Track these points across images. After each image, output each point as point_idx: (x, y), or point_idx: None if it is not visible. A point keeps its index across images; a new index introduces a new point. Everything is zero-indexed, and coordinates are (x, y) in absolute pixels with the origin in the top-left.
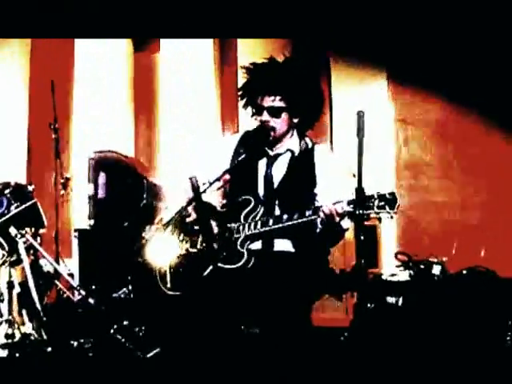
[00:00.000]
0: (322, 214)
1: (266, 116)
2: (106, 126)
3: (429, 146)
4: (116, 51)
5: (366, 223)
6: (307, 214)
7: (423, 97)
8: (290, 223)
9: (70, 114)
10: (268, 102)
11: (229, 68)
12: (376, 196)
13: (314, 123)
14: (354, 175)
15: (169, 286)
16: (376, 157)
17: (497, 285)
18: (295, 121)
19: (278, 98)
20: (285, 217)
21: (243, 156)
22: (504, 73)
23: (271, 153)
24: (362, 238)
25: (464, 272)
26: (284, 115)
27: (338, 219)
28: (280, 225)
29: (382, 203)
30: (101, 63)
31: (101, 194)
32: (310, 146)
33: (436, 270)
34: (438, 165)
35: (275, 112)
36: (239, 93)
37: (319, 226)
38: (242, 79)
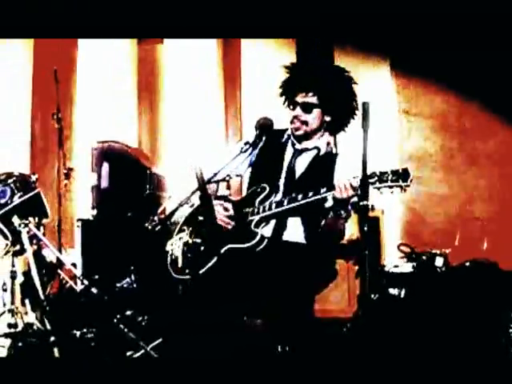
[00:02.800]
0: (336, 186)
1: (298, 111)
2: (110, 115)
3: (432, 137)
4: (119, 40)
5: (369, 214)
6: (322, 191)
7: (427, 88)
8: (304, 201)
9: (74, 104)
10: (302, 97)
11: (232, 57)
12: (389, 172)
13: (345, 125)
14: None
15: (178, 271)
16: (380, 148)
17: (499, 277)
18: (327, 119)
19: (310, 94)
20: (300, 196)
21: (257, 141)
22: (508, 64)
23: (299, 147)
24: (366, 229)
25: (466, 264)
26: (316, 111)
27: (352, 193)
28: (295, 203)
29: (395, 177)
30: (104, 53)
31: (104, 184)
32: (334, 151)
33: (439, 261)
34: (442, 156)
35: (307, 107)
36: (279, 91)
37: (330, 201)
38: (244, 68)
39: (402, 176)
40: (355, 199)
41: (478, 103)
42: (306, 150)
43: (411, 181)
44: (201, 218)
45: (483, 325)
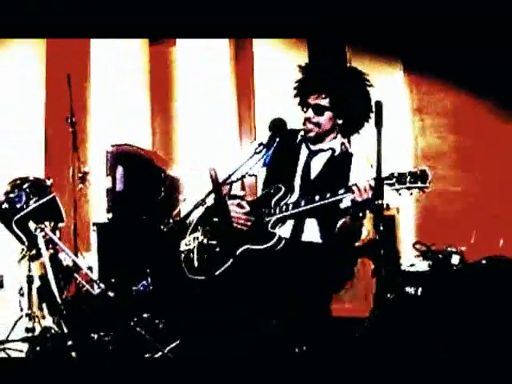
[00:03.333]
0: (355, 189)
1: (310, 113)
2: (123, 119)
3: (445, 135)
4: (132, 44)
5: (384, 213)
6: (340, 192)
7: (439, 86)
8: (322, 202)
9: (87, 108)
10: (314, 99)
11: (245, 58)
12: (407, 173)
13: (358, 128)
14: (372, 165)
15: (193, 271)
16: (393, 147)
17: None
18: (339, 122)
19: (322, 96)
20: (317, 197)
21: (271, 142)
22: None
23: (313, 148)
24: (381, 227)
25: (483, 261)
26: (327, 114)
27: (371, 194)
28: (312, 205)
29: (414, 179)
30: (117, 56)
31: (119, 187)
32: (349, 151)
33: (455, 259)
34: (455, 154)
35: (319, 109)
36: (294, 92)
37: (346, 201)
38: (257, 69)
39: (420, 177)
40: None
41: (491, 100)
42: (321, 150)
43: (430, 182)
44: (215, 219)
45: (501, 322)
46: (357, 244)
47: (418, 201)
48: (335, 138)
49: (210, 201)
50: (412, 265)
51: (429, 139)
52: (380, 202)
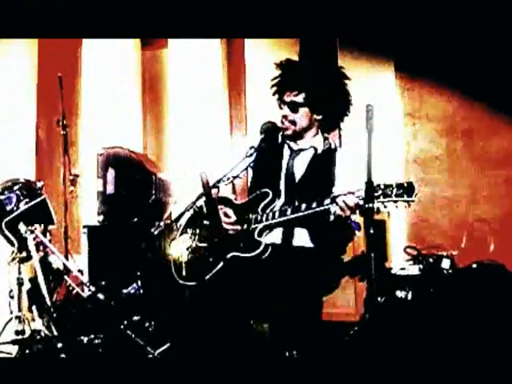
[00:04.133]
0: (340, 203)
1: (285, 111)
2: (115, 121)
3: (437, 139)
4: (123, 46)
5: (375, 217)
6: (325, 202)
7: (431, 90)
8: (308, 212)
9: (78, 110)
10: (289, 96)
11: (237, 59)
12: (394, 185)
13: (337, 123)
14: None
15: (184, 276)
16: (384, 151)
17: (506, 278)
18: (317, 118)
19: (296, 92)
20: (303, 206)
21: (262, 145)
22: None
23: (295, 147)
24: (372, 231)
25: (473, 266)
26: (303, 110)
27: (354, 209)
28: (298, 214)
29: (400, 191)
30: (108, 59)
31: (109, 190)
32: (332, 147)
33: (445, 263)
34: (447, 158)
35: (294, 107)
36: (272, 89)
37: (332, 216)
38: (249, 70)
39: (406, 190)
40: (361, 202)
41: (484, 105)
42: (303, 150)
43: (416, 195)
44: (206, 221)
45: (491, 327)
46: (346, 260)
47: (410, 205)
48: (316, 134)
49: (200, 204)
50: (403, 269)
51: (421, 144)
52: (370, 205)
